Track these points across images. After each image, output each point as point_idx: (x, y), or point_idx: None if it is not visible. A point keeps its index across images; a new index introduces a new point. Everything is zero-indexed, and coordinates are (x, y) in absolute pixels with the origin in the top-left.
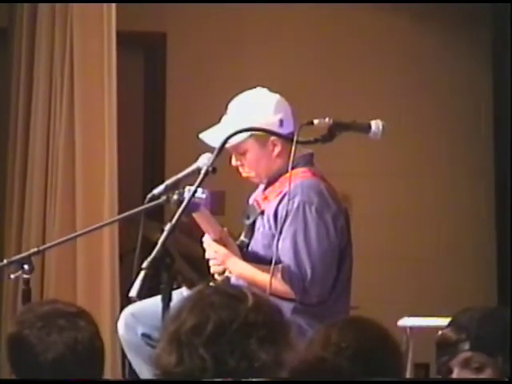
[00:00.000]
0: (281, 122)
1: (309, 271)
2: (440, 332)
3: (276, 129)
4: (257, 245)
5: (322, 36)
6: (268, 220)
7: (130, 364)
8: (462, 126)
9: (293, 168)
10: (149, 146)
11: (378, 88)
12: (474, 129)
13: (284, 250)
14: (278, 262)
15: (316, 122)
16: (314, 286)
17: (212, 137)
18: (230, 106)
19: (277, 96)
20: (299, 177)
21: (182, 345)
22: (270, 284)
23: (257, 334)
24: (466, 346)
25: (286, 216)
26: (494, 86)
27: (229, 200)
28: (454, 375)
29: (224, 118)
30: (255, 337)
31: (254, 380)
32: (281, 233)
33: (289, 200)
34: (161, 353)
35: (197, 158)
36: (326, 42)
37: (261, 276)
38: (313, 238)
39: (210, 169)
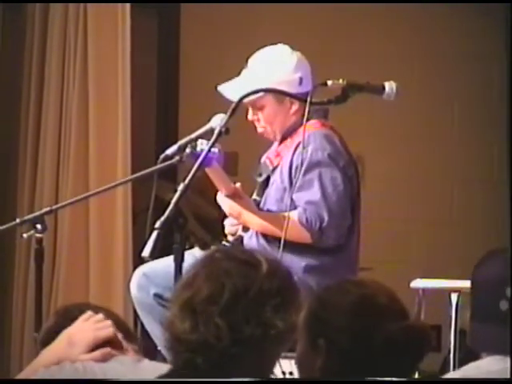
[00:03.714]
0: (300, 80)
1: (325, 213)
2: None
3: (295, 86)
4: (270, 199)
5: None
6: (281, 173)
7: (142, 324)
8: (475, 89)
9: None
10: (162, 106)
11: (391, 51)
12: (486, 91)
13: (300, 195)
14: (295, 209)
15: (330, 83)
16: (331, 227)
17: (230, 90)
18: (251, 60)
19: (298, 54)
20: (310, 128)
21: (197, 313)
22: (286, 230)
23: (272, 301)
24: None
25: (301, 165)
26: (506, 50)
27: (242, 161)
28: None
29: (244, 72)
30: (270, 304)
31: (254, 380)
32: (297, 181)
33: (303, 148)
34: (173, 319)
35: (210, 119)
36: (340, 6)
37: (277, 223)
38: (327, 181)
39: (223, 129)
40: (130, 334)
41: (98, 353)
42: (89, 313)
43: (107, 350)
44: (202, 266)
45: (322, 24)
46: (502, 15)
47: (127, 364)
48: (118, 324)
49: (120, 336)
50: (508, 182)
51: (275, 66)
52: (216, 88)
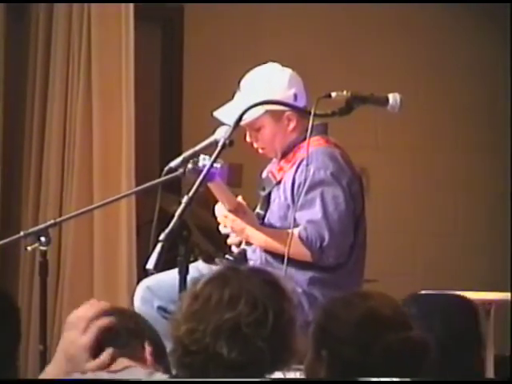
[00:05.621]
0: (295, 97)
1: (326, 233)
2: None
3: (291, 103)
4: (273, 216)
5: (339, 11)
6: (284, 190)
7: None
8: (480, 101)
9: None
10: (166, 118)
11: (396, 62)
12: (491, 104)
13: (302, 214)
14: (296, 227)
15: (334, 94)
16: (331, 247)
17: (226, 114)
18: (243, 82)
19: (289, 70)
20: (313, 145)
21: (237, 334)
22: (289, 247)
23: (296, 325)
24: None
25: (304, 183)
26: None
27: (246, 173)
28: None
29: (237, 95)
30: (295, 327)
31: (254, 380)
32: (299, 200)
33: (306, 166)
34: (200, 336)
35: (214, 131)
36: (343, 16)
37: (280, 240)
38: (329, 200)
39: (227, 141)
40: (159, 348)
41: (103, 358)
42: (70, 320)
43: (110, 350)
44: (235, 286)
45: (327, 37)
46: (509, 24)
47: (139, 376)
48: (146, 334)
49: (148, 350)
50: None
51: (269, 85)
52: (212, 114)
